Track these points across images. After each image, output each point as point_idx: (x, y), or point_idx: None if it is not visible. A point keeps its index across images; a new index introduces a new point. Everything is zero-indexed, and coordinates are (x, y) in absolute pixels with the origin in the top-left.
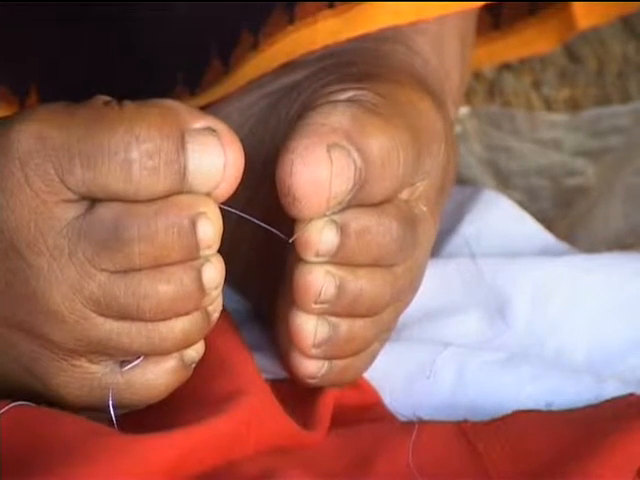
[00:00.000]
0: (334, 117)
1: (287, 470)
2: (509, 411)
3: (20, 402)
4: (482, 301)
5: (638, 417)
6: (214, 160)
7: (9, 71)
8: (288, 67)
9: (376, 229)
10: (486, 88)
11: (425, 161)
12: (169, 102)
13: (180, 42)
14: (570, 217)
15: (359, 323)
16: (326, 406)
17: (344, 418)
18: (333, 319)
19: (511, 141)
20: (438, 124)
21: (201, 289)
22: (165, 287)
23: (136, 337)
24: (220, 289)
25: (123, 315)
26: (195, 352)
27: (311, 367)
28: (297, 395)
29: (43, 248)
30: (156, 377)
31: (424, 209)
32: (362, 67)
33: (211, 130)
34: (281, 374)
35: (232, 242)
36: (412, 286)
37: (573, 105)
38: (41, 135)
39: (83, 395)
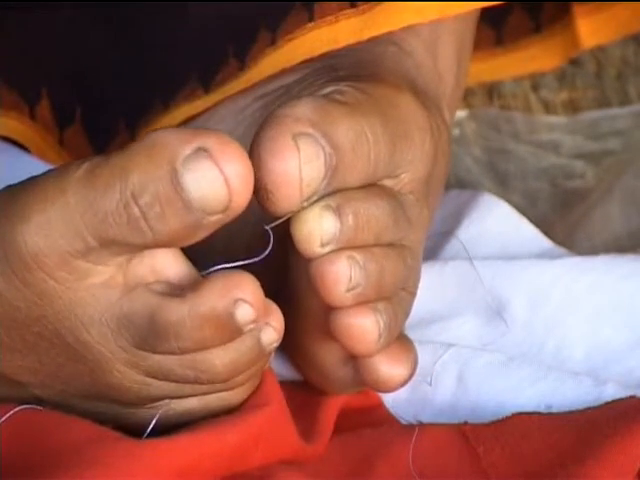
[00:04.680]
0: (297, 108)
1: (288, 472)
2: (509, 413)
3: (27, 405)
4: (480, 304)
5: (638, 419)
6: (213, 182)
7: (19, 75)
8: (281, 71)
9: (368, 205)
10: (485, 90)
11: (404, 150)
12: (156, 136)
13: (196, 42)
14: (569, 220)
15: (390, 306)
16: (329, 416)
17: (346, 421)
18: (381, 305)
19: (510, 144)
20: (420, 116)
21: (261, 351)
22: (221, 360)
23: (199, 389)
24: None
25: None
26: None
27: (403, 370)
28: (300, 398)
29: (89, 338)
30: (231, 397)
31: (411, 197)
32: (350, 70)
33: (202, 150)
34: (284, 375)
35: (230, 247)
36: (417, 268)
37: (572, 108)
38: (43, 228)
39: (139, 424)
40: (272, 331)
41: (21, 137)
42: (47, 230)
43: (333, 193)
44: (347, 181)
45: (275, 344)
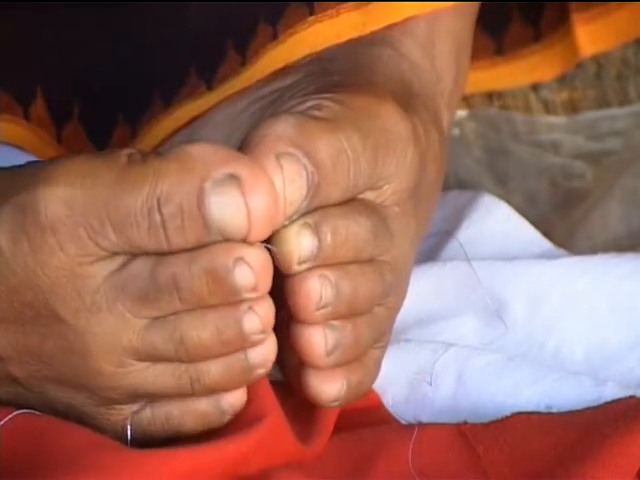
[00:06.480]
0: (277, 127)
1: (286, 472)
2: (509, 413)
3: (25, 410)
4: (479, 304)
5: (638, 419)
6: (235, 211)
7: (12, 77)
8: (279, 72)
9: (347, 222)
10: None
11: (385, 163)
12: (194, 149)
13: (194, 36)
14: (569, 220)
15: (360, 321)
16: (329, 417)
17: (346, 421)
18: (337, 323)
19: (510, 144)
20: (402, 127)
21: (241, 335)
22: (202, 333)
23: (170, 380)
24: (268, 334)
25: (159, 359)
26: (228, 403)
27: (333, 389)
28: (301, 398)
29: (80, 306)
30: (182, 415)
31: (396, 210)
32: (344, 76)
33: (233, 177)
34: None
35: None
36: (400, 283)
37: (572, 108)
38: (68, 200)
39: (117, 433)
40: (255, 318)
41: (15, 139)
42: (71, 203)
43: (312, 210)
44: (328, 198)
45: (260, 336)
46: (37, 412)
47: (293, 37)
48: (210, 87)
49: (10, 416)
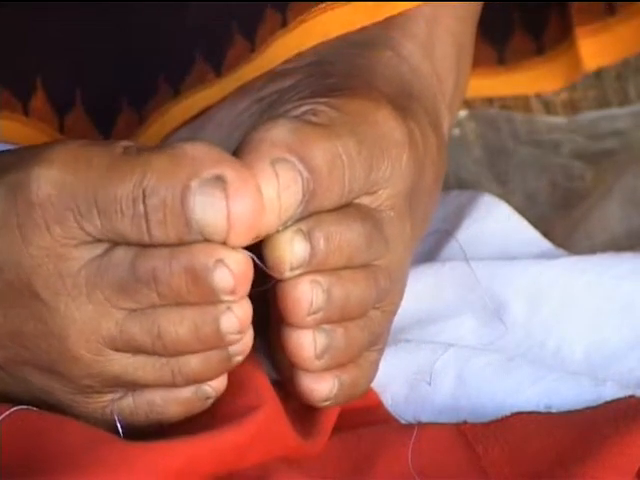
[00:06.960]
0: (273, 132)
1: (286, 472)
2: (509, 413)
3: (22, 406)
4: (478, 304)
5: (637, 419)
6: (216, 213)
7: (11, 70)
8: (279, 72)
9: (340, 228)
10: None
11: (380, 168)
12: (188, 147)
13: (198, 19)
14: (569, 220)
15: (352, 325)
16: (329, 415)
17: (346, 421)
18: (327, 326)
19: (510, 144)
20: (397, 132)
21: (218, 334)
22: (179, 329)
23: (150, 371)
24: (245, 334)
25: (138, 350)
26: (210, 388)
27: (324, 388)
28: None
29: (61, 288)
30: (165, 404)
31: (391, 214)
32: (339, 79)
33: (219, 179)
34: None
35: None
36: (395, 287)
37: (572, 108)
38: (59, 181)
39: (96, 420)
40: (233, 318)
41: (15, 137)
42: (62, 185)
43: (307, 216)
44: (323, 204)
45: (237, 336)
46: (34, 408)
47: (304, 25)
48: (219, 74)
49: (7, 412)
